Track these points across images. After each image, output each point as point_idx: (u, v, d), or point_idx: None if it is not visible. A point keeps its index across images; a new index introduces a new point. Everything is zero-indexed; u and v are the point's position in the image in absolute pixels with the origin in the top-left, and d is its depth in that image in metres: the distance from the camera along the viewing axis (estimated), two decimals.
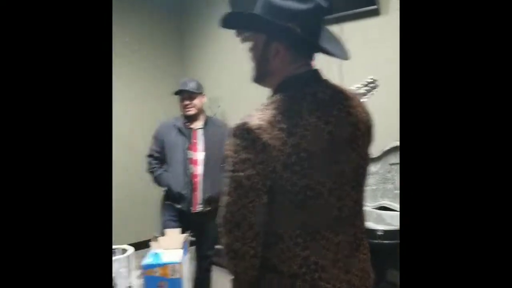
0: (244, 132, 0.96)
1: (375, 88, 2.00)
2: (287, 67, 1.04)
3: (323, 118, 1.00)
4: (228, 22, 1.05)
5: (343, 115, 1.04)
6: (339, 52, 1.08)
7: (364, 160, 1.10)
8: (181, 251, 1.60)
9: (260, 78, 1.10)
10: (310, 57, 1.08)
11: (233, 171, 0.98)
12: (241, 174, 0.96)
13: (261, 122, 0.96)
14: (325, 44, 1.04)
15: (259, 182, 0.96)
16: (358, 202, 1.10)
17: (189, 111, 2.53)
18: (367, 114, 1.11)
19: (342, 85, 1.13)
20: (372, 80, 2.01)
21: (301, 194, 0.98)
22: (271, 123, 0.96)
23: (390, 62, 2.61)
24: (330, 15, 1.08)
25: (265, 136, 0.95)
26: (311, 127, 0.99)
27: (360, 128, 1.06)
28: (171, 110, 3.71)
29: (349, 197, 1.06)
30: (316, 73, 1.08)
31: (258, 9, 1.03)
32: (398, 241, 2.10)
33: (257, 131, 0.95)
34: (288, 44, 1.02)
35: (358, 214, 1.11)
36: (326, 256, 1.03)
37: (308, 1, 0.99)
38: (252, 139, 0.95)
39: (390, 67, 2.59)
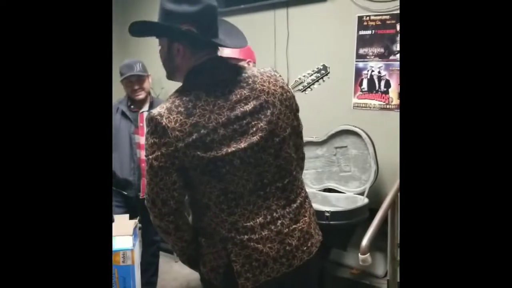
0: (149, 120, 1.13)
1: (326, 75, 2.05)
2: (188, 61, 1.19)
3: (222, 96, 1.14)
4: (134, 31, 1.20)
5: (245, 91, 1.16)
6: (236, 42, 1.24)
7: (280, 128, 1.18)
8: (131, 237, 1.57)
9: (170, 74, 1.26)
10: (212, 49, 1.20)
11: (146, 155, 1.15)
12: (150, 156, 1.12)
13: (161, 110, 1.12)
14: (222, 36, 1.20)
15: (167, 162, 1.11)
16: (282, 168, 1.20)
17: (139, 95, 2.43)
18: (281, 87, 1.22)
19: (251, 68, 1.27)
20: (322, 67, 2.05)
21: (210, 165, 1.12)
22: (170, 109, 1.12)
23: (339, 49, 2.67)
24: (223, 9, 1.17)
25: (164, 121, 1.10)
26: (210, 105, 1.12)
27: (268, 100, 1.16)
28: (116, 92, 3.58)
29: (268, 163, 1.17)
30: (216, 60, 1.21)
31: (158, 16, 1.18)
32: (344, 222, 2.19)
33: (157, 117, 1.11)
34: (186, 43, 1.17)
35: (286, 178, 1.20)
36: (254, 219, 1.15)
37: (198, 3, 1.13)
38: (155, 125, 1.11)
39: (339, 55, 2.65)
